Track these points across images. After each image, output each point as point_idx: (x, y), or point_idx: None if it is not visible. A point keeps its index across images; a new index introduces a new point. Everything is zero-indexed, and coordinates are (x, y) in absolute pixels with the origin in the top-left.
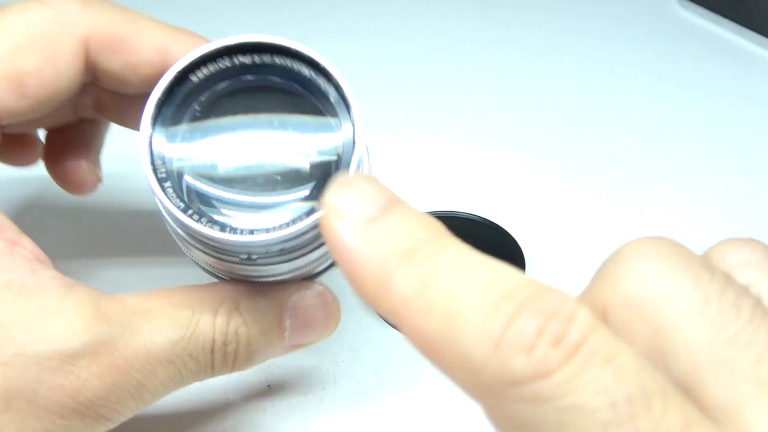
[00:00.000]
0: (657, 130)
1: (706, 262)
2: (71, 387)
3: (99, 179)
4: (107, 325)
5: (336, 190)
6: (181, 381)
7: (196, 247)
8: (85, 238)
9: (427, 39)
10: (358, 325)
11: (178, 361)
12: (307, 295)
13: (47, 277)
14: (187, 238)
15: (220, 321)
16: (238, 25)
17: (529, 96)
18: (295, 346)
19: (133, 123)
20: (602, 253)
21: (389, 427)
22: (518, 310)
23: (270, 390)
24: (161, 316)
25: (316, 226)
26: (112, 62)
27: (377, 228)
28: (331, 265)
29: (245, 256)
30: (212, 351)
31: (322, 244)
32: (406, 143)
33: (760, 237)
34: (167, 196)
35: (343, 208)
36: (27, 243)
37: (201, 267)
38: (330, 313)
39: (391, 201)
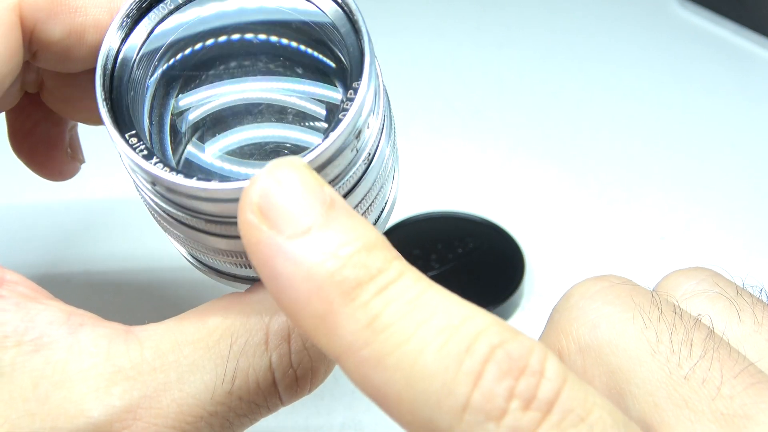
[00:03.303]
0: (657, 130)
1: (654, 299)
2: None
3: (81, 161)
4: (123, 388)
5: (261, 186)
6: (231, 428)
7: (212, 233)
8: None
9: (427, 40)
10: None
11: (223, 410)
12: None
13: (46, 321)
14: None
15: (277, 339)
16: None
17: (529, 96)
18: None
19: (74, 111)
20: (602, 253)
21: (390, 425)
22: (484, 364)
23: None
24: (192, 354)
25: (353, 136)
26: (53, 29)
27: (314, 249)
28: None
29: None
30: (274, 383)
31: (366, 173)
32: (406, 144)
33: (759, 236)
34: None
35: (270, 216)
36: (13, 277)
37: (219, 272)
38: None
39: (329, 205)
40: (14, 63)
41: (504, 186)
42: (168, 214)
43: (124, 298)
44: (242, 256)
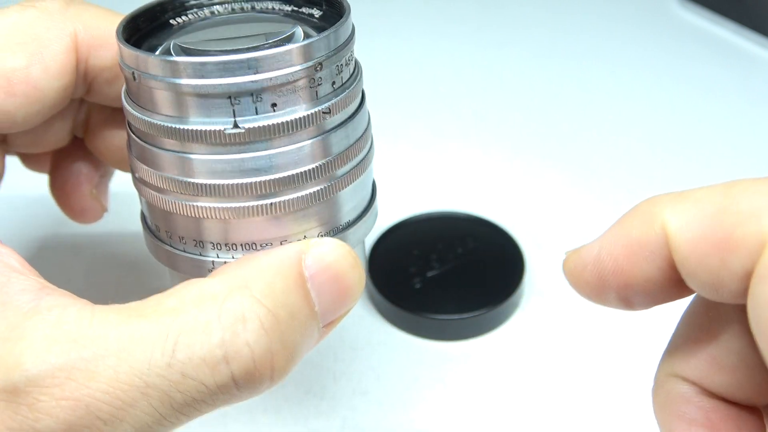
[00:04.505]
0: (657, 130)
1: None
2: (18, 428)
3: (104, 208)
4: (62, 348)
5: None
6: (176, 409)
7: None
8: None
9: (427, 40)
10: (358, 324)
11: (163, 384)
12: (328, 251)
13: (18, 289)
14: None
15: (231, 314)
16: None
17: (530, 97)
18: (330, 325)
19: (111, 153)
20: None
21: (389, 426)
22: None
23: (270, 389)
24: (138, 327)
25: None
26: (104, 55)
27: None
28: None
29: (231, 124)
30: (226, 362)
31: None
32: (406, 144)
33: None
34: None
35: None
36: (5, 250)
37: (166, 245)
38: (358, 271)
39: None
40: (64, 81)
41: (504, 186)
42: (151, 143)
43: (109, 284)
44: (226, 192)
